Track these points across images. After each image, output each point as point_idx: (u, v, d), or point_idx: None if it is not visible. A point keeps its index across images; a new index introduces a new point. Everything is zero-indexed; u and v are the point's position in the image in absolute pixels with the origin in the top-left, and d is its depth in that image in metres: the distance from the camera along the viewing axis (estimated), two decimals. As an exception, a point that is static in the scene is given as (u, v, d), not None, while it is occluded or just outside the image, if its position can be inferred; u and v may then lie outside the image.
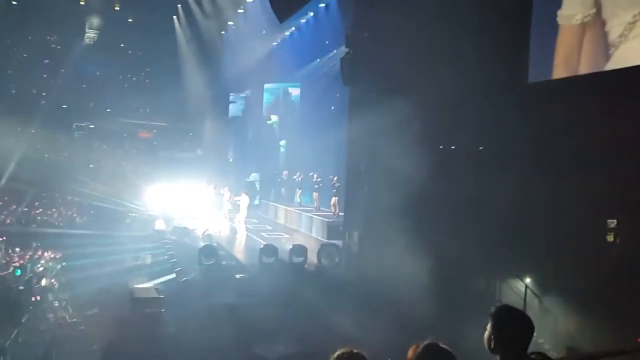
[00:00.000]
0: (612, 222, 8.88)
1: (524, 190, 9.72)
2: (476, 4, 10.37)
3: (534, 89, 9.92)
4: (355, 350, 2.81)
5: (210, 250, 14.37)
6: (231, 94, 29.24)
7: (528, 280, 10.06)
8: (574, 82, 9.10)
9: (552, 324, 9.25)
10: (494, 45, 10.04)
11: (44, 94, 30.09)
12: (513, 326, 2.85)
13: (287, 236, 18.54)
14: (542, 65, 9.83)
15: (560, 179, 9.25)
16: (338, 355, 2.76)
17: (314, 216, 19.05)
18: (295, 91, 26.15)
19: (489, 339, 2.87)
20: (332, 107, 20.32)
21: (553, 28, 9.47)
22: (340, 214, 18.24)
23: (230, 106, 29.55)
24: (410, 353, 2.99)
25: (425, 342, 2.90)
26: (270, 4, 7.91)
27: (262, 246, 14.68)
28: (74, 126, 30.09)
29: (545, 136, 9.57)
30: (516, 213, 9.97)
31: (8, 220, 19.17)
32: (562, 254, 9.12)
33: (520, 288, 10.11)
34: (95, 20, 28.81)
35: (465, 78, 10.28)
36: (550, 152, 9.49)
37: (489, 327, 2.88)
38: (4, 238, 16.00)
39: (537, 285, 9.91)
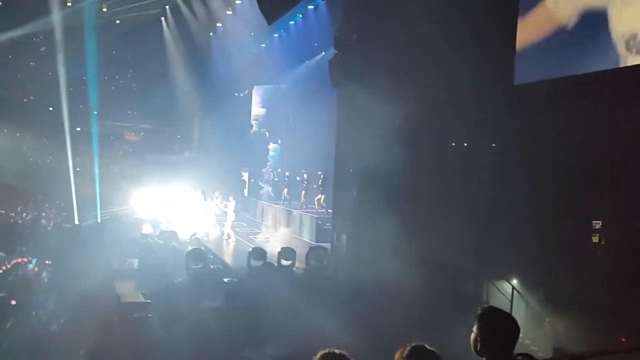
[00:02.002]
0: (597, 223, 8.98)
1: (510, 191, 9.81)
2: (463, 6, 10.43)
3: (521, 90, 9.99)
4: (337, 351, 2.81)
5: (198, 254, 14.29)
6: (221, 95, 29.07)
7: (515, 281, 10.14)
8: (560, 84, 9.17)
9: (538, 325, 9.32)
10: (481, 46, 10.11)
11: (31, 97, 29.79)
12: (499, 328, 2.87)
13: (275, 239, 18.50)
14: (527, 67, 9.91)
15: (546, 180, 9.33)
16: (321, 356, 2.76)
17: (303, 213, 19.07)
18: (284, 93, 26.13)
19: (475, 341, 2.89)
20: (320, 109, 20.37)
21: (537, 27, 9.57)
22: (330, 210, 18.42)
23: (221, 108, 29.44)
24: (397, 355, 3.00)
25: (412, 345, 2.91)
26: (259, 5, 7.90)
27: (250, 249, 14.63)
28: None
29: (533, 138, 9.65)
30: (503, 214, 10.05)
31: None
32: (549, 255, 9.19)
33: (507, 289, 10.18)
34: None
35: (452, 79, 10.34)
36: (538, 154, 9.56)
37: (475, 329, 2.89)
38: None
39: (524, 286, 9.99)
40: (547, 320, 9.29)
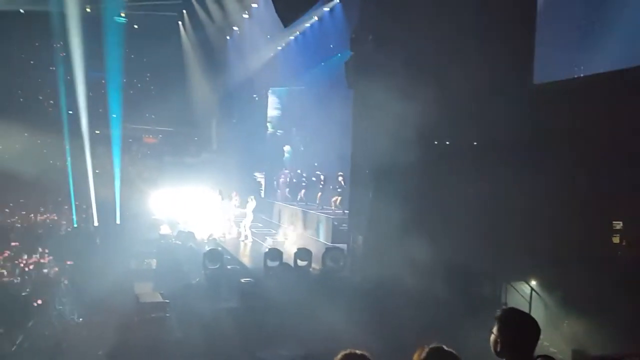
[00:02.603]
0: (618, 224, 8.84)
1: (530, 191, 9.68)
2: (480, 6, 10.36)
3: (540, 90, 9.89)
4: (359, 352, 2.81)
5: (215, 255, 14.37)
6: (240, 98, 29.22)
7: (533, 282, 10.02)
8: (580, 82, 9.07)
9: (557, 327, 9.20)
10: (500, 46, 10.04)
11: (51, 101, 30.31)
12: (519, 329, 2.86)
13: (291, 239, 18.56)
14: (547, 66, 9.82)
15: (566, 180, 9.22)
16: (343, 356, 2.76)
17: (319, 214, 19.09)
18: (299, 95, 26.21)
19: (495, 342, 2.88)
20: (336, 110, 20.39)
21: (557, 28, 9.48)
22: (346, 211, 18.42)
23: (237, 110, 29.61)
24: (415, 356, 2.99)
25: (431, 346, 2.90)
26: (275, 8, 7.98)
27: (266, 250, 14.67)
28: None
29: (552, 137, 9.54)
30: (522, 215, 9.93)
31: (18, 225, 19.26)
32: (568, 256, 9.07)
33: (526, 290, 10.07)
34: None
35: (471, 80, 10.27)
36: (558, 153, 9.44)
37: (495, 330, 2.88)
38: (17, 244, 16.07)
39: (543, 287, 9.87)
40: (565, 321, 9.16)
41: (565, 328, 8.99)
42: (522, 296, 10.04)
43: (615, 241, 8.87)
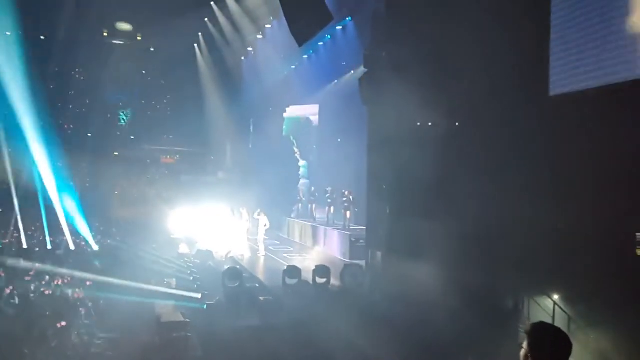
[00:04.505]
0: (642, 236, 8.71)
1: (549, 204, 9.59)
2: (494, 20, 10.40)
3: (557, 101, 9.84)
4: None
5: (234, 273, 14.41)
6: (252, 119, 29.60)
7: (556, 297, 9.87)
8: (599, 93, 9.00)
9: (583, 342, 9.02)
10: (515, 59, 10.05)
11: (71, 125, 30.92)
12: (550, 344, 2.82)
13: (308, 256, 18.58)
14: (563, 77, 9.78)
15: (587, 192, 9.12)
16: None
17: (336, 230, 19.15)
18: (314, 117, 26.52)
19: (526, 357, 2.84)
20: (350, 127, 20.55)
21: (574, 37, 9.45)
22: (352, 226, 18.60)
23: (254, 129, 29.94)
24: None
25: None
26: (290, 28, 8.08)
27: (285, 268, 14.69)
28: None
29: (572, 150, 9.46)
30: (544, 229, 9.82)
31: (37, 249, 19.48)
32: (591, 269, 8.93)
33: (549, 305, 9.91)
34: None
35: (486, 94, 10.29)
36: (580, 166, 9.35)
37: (525, 345, 2.85)
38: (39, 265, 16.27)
39: (566, 301, 9.71)
40: (591, 336, 8.99)
41: (592, 343, 8.81)
42: (544, 311, 9.89)
43: (639, 253, 8.73)
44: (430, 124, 10.71)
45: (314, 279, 14.09)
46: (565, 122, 9.57)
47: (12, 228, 20.44)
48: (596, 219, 8.97)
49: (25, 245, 18.89)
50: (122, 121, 31.42)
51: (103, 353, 11.34)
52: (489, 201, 10.45)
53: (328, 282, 14.18)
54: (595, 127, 8.90)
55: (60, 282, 14.37)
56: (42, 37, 30.06)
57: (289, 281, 14.01)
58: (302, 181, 25.80)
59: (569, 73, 9.65)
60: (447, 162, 11.33)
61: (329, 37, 21.91)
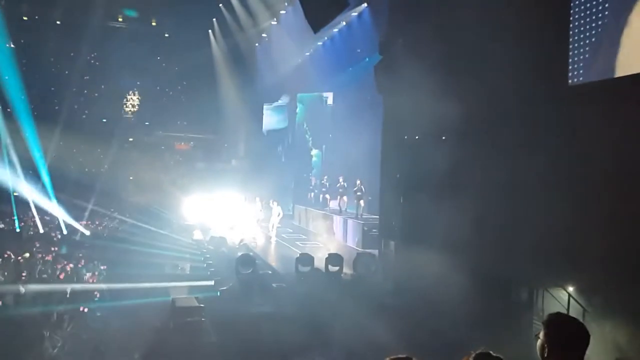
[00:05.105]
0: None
1: (567, 196, 9.46)
2: (511, 6, 10.21)
3: (575, 92, 9.66)
4: (403, 356, 2.79)
5: (247, 260, 14.51)
6: (266, 104, 29.52)
7: (571, 288, 9.77)
8: (619, 83, 8.80)
9: (599, 334, 8.94)
10: (533, 47, 9.86)
11: (86, 111, 31.16)
12: (567, 334, 2.78)
13: (321, 245, 18.61)
14: (583, 66, 9.59)
15: (603, 183, 8.97)
16: None
17: (348, 219, 19.15)
18: (329, 99, 26.29)
19: (542, 347, 2.81)
20: (363, 115, 20.44)
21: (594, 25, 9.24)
22: (364, 215, 18.61)
23: (268, 117, 29.87)
24: None
25: (477, 351, 2.87)
26: (305, 14, 8.01)
27: (297, 255, 14.75)
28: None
29: (589, 141, 9.30)
30: (559, 219, 9.70)
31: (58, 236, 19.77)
32: (607, 260, 8.82)
33: (563, 297, 9.82)
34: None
35: (504, 81, 10.12)
36: (596, 158, 9.19)
37: (541, 335, 2.81)
38: (56, 249, 16.51)
39: (581, 293, 9.60)
40: (607, 329, 8.89)
41: (608, 335, 8.72)
42: (559, 302, 9.80)
43: (658, 245, 8.58)
44: (446, 112, 10.56)
45: (326, 267, 14.13)
46: (584, 111, 9.39)
47: (30, 213, 20.77)
48: (614, 208, 8.83)
49: (41, 230, 19.17)
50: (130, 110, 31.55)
51: (118, 336, 11.51)
52: (504, 191, 10.35)
53: (340, 270, 14.21)
54: (615, 116, 8.73)
55: (76, 267, 14.59)
56: (57, 23, 30.20)
57: (301, 269, 14.07)
58: (314, 170, 25.79)
59: (589, 61, 9.45)
60: (463, 151, 11.21)
61: (344, 23, 21.71)
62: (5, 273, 12.83)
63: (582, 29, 9.53)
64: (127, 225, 21.31)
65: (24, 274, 12.60)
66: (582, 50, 9.58)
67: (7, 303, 10.86)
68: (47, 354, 9.38)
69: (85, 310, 11.23)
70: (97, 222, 22.52)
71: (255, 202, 20.14)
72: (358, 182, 19.34)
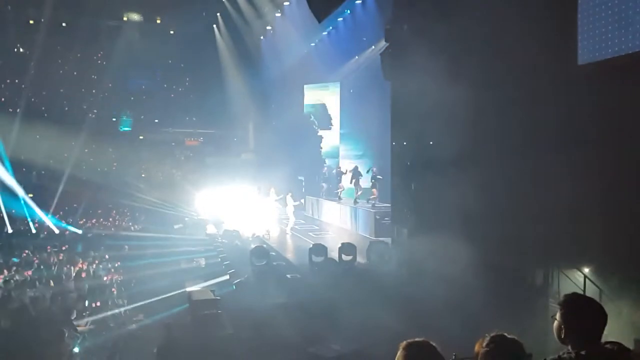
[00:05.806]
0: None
1: (581, 176, 9.36)
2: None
3: (586, 70, 9.53)
4: (420, 339, 2.77)
5: (261, 252, 14.58)
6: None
7: (586, 269, 9.70)
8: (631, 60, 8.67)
9: (615, 315, 8.87)
10: (542, 27, 9.73)
11: (95, 110, 31.34)
12: (584, 315, 2.76)
13: (334, 234, 18.65)
14: (592, 46, 9.45)
15: (619, 164, 8.87)
16: (407, 344, 2.71)
17: (360, 208, 19.13)
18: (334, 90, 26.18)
19: (559, 328, 2.79)
20: (371, 104, 20.32)
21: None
22: (378, 204, 18.55)
23: (273, 109, 29.78)
24: (477, 347, 2.96)
25: (492, 334, 2.86)
26: (309, 4, 7.97)
27: (311, 246, 14.79)
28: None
29: (603, 121, 9.18)
30: (574, 200, 9.61)
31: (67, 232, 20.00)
32: (622, 241, 8.74)
33: (579, 278, 9.76)
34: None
35: (512, 64, 10.02)
36: (610, 136, 9.08)
37: (558, 316, 2.80)
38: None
39: (597, 274, 9.53)
40: (624, 310, 8.83)
41: (625, 317, 8.66)
42: (574, 284, 9.74)
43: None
44: (454, 96, 10.48)
45: (340, 257, 14.16)
46: (596, 92, 9.26)
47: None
48: (626, 190, 8.73)
49: (56, 231, 19.38)
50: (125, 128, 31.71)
51: (136, 331, 11.64)
52: (517, 172, 10.27)
53: (354, 259, 14.24)
54: (626, 95, 8.60)
55: (92, 264, 14.77)
56: (63, 25, 30.35)
57: (315, 259, 14.11)
58: (327, 161, 25.74)
59: (597, 39, 9.32)
60: (473, 137, 11.13)
61: (349, 12, 21.58)
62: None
63: (590, 11, 9.40)
64: (141, 225, 21.52)
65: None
66: (591, 28, 9.44)
67: (24, 301, 11.03)
68: (66, 350, 9.51)
69: (101, 305, 11.34)
70: (110, 220, 22.77)
71: (270, 193, 20.17)
72: (374, 169, 19.25)
